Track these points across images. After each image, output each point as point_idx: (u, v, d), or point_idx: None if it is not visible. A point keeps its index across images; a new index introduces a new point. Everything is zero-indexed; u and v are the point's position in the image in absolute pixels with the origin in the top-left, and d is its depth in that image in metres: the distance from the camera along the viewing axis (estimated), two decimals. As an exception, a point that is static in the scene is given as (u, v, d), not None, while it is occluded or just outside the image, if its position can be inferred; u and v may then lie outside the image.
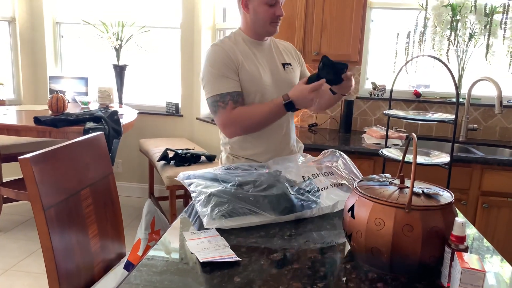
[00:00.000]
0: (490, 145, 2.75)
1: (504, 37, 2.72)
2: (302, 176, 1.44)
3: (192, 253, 1.07)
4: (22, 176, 1.15)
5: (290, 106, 1.48)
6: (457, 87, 1.50)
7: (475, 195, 2.34)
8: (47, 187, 1.20)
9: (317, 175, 1.45)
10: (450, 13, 2.77)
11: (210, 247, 1.09)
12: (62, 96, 2.92)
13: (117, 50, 3.65)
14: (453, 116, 1.50)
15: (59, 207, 1.23)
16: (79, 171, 1.37)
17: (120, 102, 3.72)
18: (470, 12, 2.75)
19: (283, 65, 1.66)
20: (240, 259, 1.04)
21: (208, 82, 1.55)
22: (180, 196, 3.27)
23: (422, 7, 2.83)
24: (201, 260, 1.02)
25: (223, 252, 1.07)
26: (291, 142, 1.77)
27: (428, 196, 1.03)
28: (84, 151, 1.42)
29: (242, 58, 1.57)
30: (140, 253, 1.27)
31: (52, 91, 3.58)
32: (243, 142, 1.66)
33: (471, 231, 1.33)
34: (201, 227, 1.23)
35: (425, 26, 2.85)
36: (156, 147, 3.18)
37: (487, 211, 2.34)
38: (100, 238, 1.41)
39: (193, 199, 1.30)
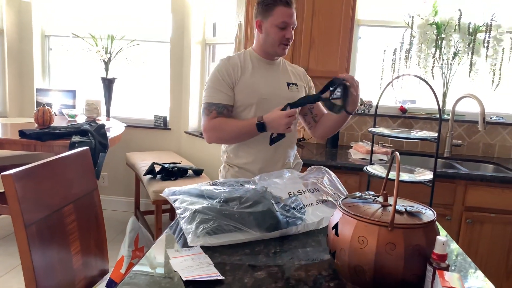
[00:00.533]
0: (474, 160, 2.79)
1: (487, 55, 2.79)
2: (288, 193, 1.44)
3: (175, 271, 1.06)
4: (3, 190, 1.13)
5: (261, 127, 1.59)
6: (439, 106, 1.53)
7: (459, 210, 2.37)
8: (29, 203, 1.18)
9: (303, 191, 1.45)
10: (435, 31, 2.83)
11: (194, 265, 1.09)
12: (49, 109, 2.90)
13: (106, 63, 3.65)
14: (436, 134, 1.53)
15: (41, 223, 1.22)
16: (63, 187, 1.35)
17: (108, 115, 3.70)
18: (454, 30, 2.82)
19: (288, 84, 1.75)
20: (223, 278, 1.04)
21: (205, 90, 1.74)
22: (166, 211, 3.25)
23: (408, 25, 2.90)
24: (184, 279, 1.01)
25: (207, 270, 1.06)
26: (287, 156, 1.83)
27: (410, 214, 1.04)
28: (69, 166, 1.41)
29: (242, 74, 1.71)
30: (123, 270, 1.26)
31: (38, 104, 3.55)
32: (238, 151, 1.78)
33: (454, 247, 1.34)
34: (185, 244, 1.22)
35: (411, 44, 2.91)
36: (142, 161, 3.16)
37: (471, 226, 2.36)
38: (82, 255, 1.39)
39: (177, 216, 1.30)
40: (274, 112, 1.58)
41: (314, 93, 1.90)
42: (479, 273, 1.16)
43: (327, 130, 1.85)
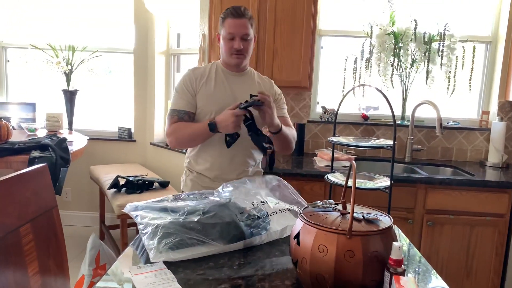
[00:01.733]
0: (433, 164, 2.90)
1: (441, 63, 2.92)
2: (251, 203, 1.45)
3: (137, 288, 1.04)
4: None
5: (213, 126, 1.68)
6: (393, 114, 1.59)
7: (421, 213, 2.45)
8: (-18, 224, 1.13)
9: (266, 201, 1.46)
10: (393, 40, 2.93)
11: (157, 281, 1.07)
12: (6, 123, 2.79)
13: (67, 75, 3.56)
14: (391, 142, 1.58)
15: (-4, 245, 1.17)
16: (19, 206, 1.31)
17: (70, 128, 3.60)
18: (411, 40, 2.93)
19: (251, 96, 1.78)
20: (186, 293, 1.03)
21: (172, 97, 1.86)
22: (132, 224, 3.18)
23: (368, 35, 2.99)
24: (146, 296, 1.00)
25: (170, 286, 1.05)
26: (245, 165, 1.87)
27: (368, 221, 1.07)
28: (25, 184, 1.36)
29: (205, 83, 1.81)
30: (83, 290, 1.23)
31: (-5, 118, 3.42)
32: (197, 157, 1.87)
33: (414, 251, 1.38)
34: (148, 260, 1.20)
35: (371, 53, 3.00)
36: (107, 174, 3.09)
37: (432, 228, 2.45)
38: (41, 276, 1.35)
39: (139, 231, 1.28)
40: (224, 111, 1.65)
41: (282, 105, 1.93)
42: (437, 275, 1.21)
43: (276, 149, 1.88)
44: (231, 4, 2.67)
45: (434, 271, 1.23)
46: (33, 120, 3.56)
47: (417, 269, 1.25)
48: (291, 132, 1.86)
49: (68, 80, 3.57)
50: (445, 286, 1.13)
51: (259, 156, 1.94)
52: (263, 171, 2.00)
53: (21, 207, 1.31)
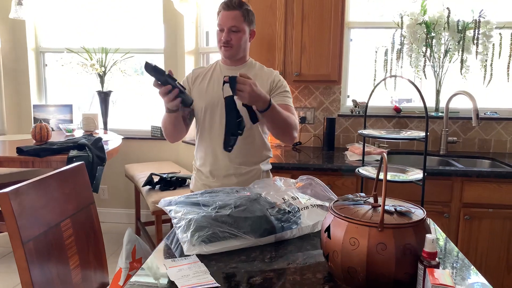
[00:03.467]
0: (469, 157, 2.80)
1: (477, 52, 2.81)
2: (283, 198, 1.46)
3: (172, 280, 1.07)
4: (0, 210, 1.15)
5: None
6: (425, 105, 1.55)
7: (457, 207, 2.38)
8: (26, 220, 1.20)
9: (297, 197, 1.47)
10: (425, 30, 2.85)
11: (190, 274, 1.10)
12: (46, 125, 2.92)
13: (101, 77, 3.68)
14: (424, 134, 1.54)
15: (39, 240, 1.23)
16: (59, 202, 1.37)
17: (105, 128, 3.72)
18: (444, 29, 2.84)
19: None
20: (219, 285, 1.05)
21: None
22: (166, 221, 3.25)
23: (398, 26, 2.92)
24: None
25: (203, 279, 1.07)
26: (239, 168, 1.81)
27: (400, 213, 1.05)
28: (65, 182, 1.43)
29: (201, 80, 1.84)
30: (121, 283, 1.27)
31: (36, 120, 3.58)
32: (196, 152, 1.93)
33: (451, 246, 1.35)
34: (182, 253, 1.23)
35: (401, 44, 2.93)
36: (141, 172, 3.18)
37: (469, 222, 2.37)
38: (81, 269, 1.41)
39: (173, 225, 1.31)
40: None
41: (283, 96, 1.83)
42: (475, 271, 1.17)
43: (272, 133, 1.80)
44: (258, 1, 2.70)
45: (473, 266, 1.19)
46: (71, 121, 3.70)
47: (454, 265, 1.21)
48: (289, 117, 1.71)
49: (102, 81, 3.69)
50: (485, 282, 1.10)
51: (262, 155, 1.87)
52: (270, 174, 1.95)
53: (61, 203, 1.38)
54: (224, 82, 1.50)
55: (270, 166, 1.95)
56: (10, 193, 1.16)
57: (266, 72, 1.86)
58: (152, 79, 1.52)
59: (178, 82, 1.54)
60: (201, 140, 1.88)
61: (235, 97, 1.51)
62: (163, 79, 1.51)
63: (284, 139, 1.78)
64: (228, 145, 1.53)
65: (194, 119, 1.90)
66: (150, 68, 1.47)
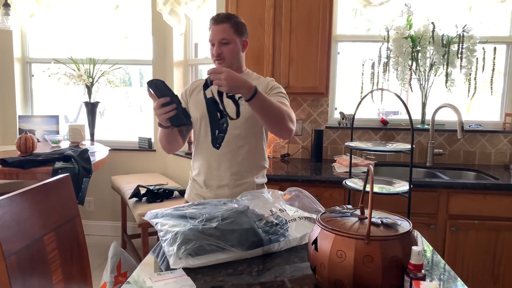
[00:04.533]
0: (455, 169, 2.84)
1: (461, 65, 2.87)
2: (270, 210, 1.45)
3: (157, 295, 1.05)
4: (-19, 224, 1.12)
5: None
6: (411, 117, 1.57)
7: (443, 218, 2.40)
8: (8, 233, 1.17)
9: (285, 209, 1.46)
10: (411, 44, 2.90)
11: (176, 288, 1.09)
12: (31, 136, 2.88)
13: (89, 88, 3.66)
14: (410, 146, 1.56)
15: (21, 253, 1.21)
16: (43, 215, 1.35)
17: (92, 139, 3.68)
18: (429, 43, 2.90)
19: (239, 98, 1.66)
20: (205, 299, 1.04)
21: None
22: (153, 233, 3.22)
23: (384, 39, 2.97)
24: (165, 302, 1.01)
25: (189, 292, 1.06)
26: (231, 179, 1.80)
27: (386, 226, 1.06)
28: (49, 194, 1.40)
29: (197, 92, 1.88)
30: (105, 297, 1.25)
31: (21, 131, 3.53)
32: (193, 162, 1.94)
33: (437, 258, 1.36)
34: (168, 267, 1.22)
35: (388, 57, 2.98)
36: (128, 184, 3.14)
37: (456, 234, 2.39)
38: (65, 283, 1.38)
39: (160, 238, 1.30)
40: None
41: (283, 94, 1.83)
42: (462, 283, 1.18)
43: (265, 125, 1.75)
44: (247, 13, 2.72)
45: (459, 279, 1.20)
46: (57, 132, 3.66)
47: (441, 277, 1.22)
48: (282, 107, 1.65)
49: (89, 92, 3.66)
50: (469, 292, 1.11)
51: (258, 166, 1.88)
52: (265, 187, 1.94)
53: (45, 216, 1.35)
54: (205, 84, 1.48)
55: (265, 180, 1.94)
56: (-8, 206, 1.14)
57: (262, 81, 1.89)
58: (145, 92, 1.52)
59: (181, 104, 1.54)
60: (197, 149, 1.89)
61: (216, 88, 1.48)
62: (169, 94, 1.49)
63: (280, 131, 1.68)
64: (215, 142, 1.50)
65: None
66: (160, 85, 1.45)
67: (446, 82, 2.90)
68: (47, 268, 1.31)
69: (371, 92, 1.72)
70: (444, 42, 2.87)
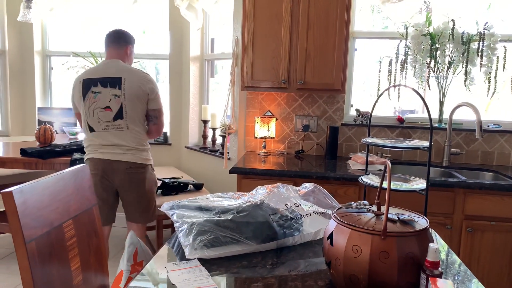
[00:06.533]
0: (472, 169, 2.80)
1: (481, 64, 2.82)
2: (285, 204, 1.46)
3: (173, 284, 1.07)
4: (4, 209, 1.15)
5: None
6: (430, 114, 1.55)
7: (459, 219, 2.37)
8: (29, 220, 1.20)
9: (299, 204, 1.47)
10: (429, 41, 2.87)
11: (192, 278, 1.10)
12: (50, 127, 2.93)
13: (106, 81, 3.70)
14: (427, 143, 1.54)
15: (41, 240, 1.23)
16: (63, 203, 1.37)
17: (109, 132, 3.73)
18: (448, 40, 2.85)
19: None
20: (220, 290, 1.05)
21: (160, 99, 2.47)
22: (167, 226, 3.25)
23: (403, 36, 2.94)
24: (181, 291, 1.02)
25: (204, 283, 1.07)
26: None
27: (403, 222, 1.05)
28: (69, 183, 1.43)
29: None
30: (122, 285, 1.27)
31: (40, 122, 3.60)
32: None
33: (453, 257, 1.34)
34: (183, 257, 1.23)
35: (406, 55, 2.95)
36: (144, 177, 3.17)
37: (472, 235, 2.36)
38: (82, 271, 1.41)
39: (175, 229, 1.31)
40: None
41: None
42: (478, 283, 1.16)
43: None
44: (264, 8, 2.72)
45: (476, 279, 1.19)
46: (74, 124, 3.71)
47: (456, 276, 1.21)
48: None
49: (107, 85, 3.70)
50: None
51: None
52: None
53: (64, 204, 1.38)
54: None
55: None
56: (15, 192, 1.16)
57: None
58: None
59: None
60: None
61: None
62: None
63: None
64: None
65: None
66: None
67: (465, 80, 2.86)
68: (66, 255, 1.33)
69: (388, 88, 1.70)
70: (464, 40, 2.82)
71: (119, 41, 2.47)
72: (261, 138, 3.02)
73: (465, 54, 2.83)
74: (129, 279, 1.30)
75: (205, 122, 3.55)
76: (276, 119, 3.11)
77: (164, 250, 1.31)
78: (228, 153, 3.23)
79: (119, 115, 2.31)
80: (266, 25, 2.72)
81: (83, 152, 2.69)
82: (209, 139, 3.58)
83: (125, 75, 2.33)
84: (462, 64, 2.86)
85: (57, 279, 1.27)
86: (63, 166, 2.56)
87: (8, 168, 2.65)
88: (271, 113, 3.12)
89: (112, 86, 2.31)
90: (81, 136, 3.38)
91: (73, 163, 2.54)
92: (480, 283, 1.16)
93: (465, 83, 2.86)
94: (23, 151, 2.60)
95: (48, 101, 3.98)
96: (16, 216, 1.15)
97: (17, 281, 2.76)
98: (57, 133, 3.55)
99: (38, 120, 3.69)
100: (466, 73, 2.84)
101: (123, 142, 2.31)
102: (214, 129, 3.49)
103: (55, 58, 3.95)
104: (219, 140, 3.55)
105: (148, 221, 2.50)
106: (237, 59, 3.05)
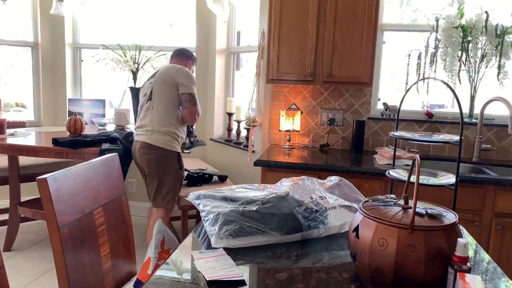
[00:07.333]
0: (504, 165, 2.72)
1: (515, 57, 2.72)
2: (310, 197, 1.46)
3: (199, 271, 1.09)
4: (38, 196, 1.20)
5: None
6: (461, 107, 1.51)
7: (489, 216, 2.31)
8: (62, 206, 1.24)
9: (325, 197, 1.46)
10: (461, 34, 2.79)
11: (217, 266, 1.12)
12: (80, 118, 3.01)
13: (134, 73, 3.77)
14: (458, 137, 1.51)
15: (73, 225, 1.28)
16: (93, 191, 1.42)
17: (136, 123, 3.80)
18: (481, 33, 2.77)
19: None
20: (245, 279, 1.06)
21: (194, 85, 2.65)
22: (192, 216, 3.30)
23: (433, 29, 2.86)
24: (207, 279, 1.04)
25: (230, 271, 1.09)
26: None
27: (431, 216, 1.04)
28: (99, 171, 1.47)
29: None
30: (149, 271, 1.30)
31: (70, 113, 3.70)
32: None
33: (483, 255, 1.32)
34: (209, 246, 1.25)
35: (436, 48, 2.87)
36: (170, 168, 3.23)
37: (501, 232, 2.30)
38: (111, 257, 1.45)
39: (202, 218, 1.33)
40: None
41: None
42: (504, 278, 1.14)
43: None
44: (291, 1, 2.70)
45: (507, 277, 1.16)
46: (103, 115, 3.81)
47: (486, 274, 1.18)
48: None
49: (134, 78, 3.77)
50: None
51: None
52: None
53: (95, 192, 1.42)
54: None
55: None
56: (49, 179, 1.21)
57: None
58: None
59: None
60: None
61: None
62: None
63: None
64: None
65: None
66: None
67: (498, 74, 2.77)
68: (96, 241, 1.38)
69: (417, 82, 1.67)
70: (498, 32, 2.73)
71: (181, 56, 2.81)
72: (286, 131, 3.02)
73: (499, 47, 2.74)
74: (157, 266, 1.33)
75: (230, 114, 3.57)
76: (301, 112, 3.10)
77: (189, 240, 1.33)
78: (252, 145, 3.24)
79: (149, 97, 2.62)
80: (292, 17, 2.71)
81: (112, 143, 2.76)
82: (234, 131, 3.60)
83: (162, 68, 2.65)
84: (495, 58, 2.77)
85: (88, 264, 1.32)
86: (93, 156, 2.63)
87: (41, 157, 2.74)
88: (296, 106, 3.11)
89: (152, 77, 2.69)
90: (110, 127, 3.46)
91: (102, 153, 2.60)
92: (510, 281, 1.13)
93: (498, 77, 2.77)
94: (55, 141, 2.68)
95: (78, 93, 4.09)
96: (51, 201, 1.20)
97: (48, 266, 2.87)
98: (86, 124, 3.65)
99: (68, 111, 3.80)
100: (499, 67, 2.75)
101: (147, 123, 2.57)
102: (239, 122, 3.51)
103: (85, 51, 4.05)
104: (243, 132, 3.56)
105: (158, 205, 2.60)
106: (263, 52, 3.05)
